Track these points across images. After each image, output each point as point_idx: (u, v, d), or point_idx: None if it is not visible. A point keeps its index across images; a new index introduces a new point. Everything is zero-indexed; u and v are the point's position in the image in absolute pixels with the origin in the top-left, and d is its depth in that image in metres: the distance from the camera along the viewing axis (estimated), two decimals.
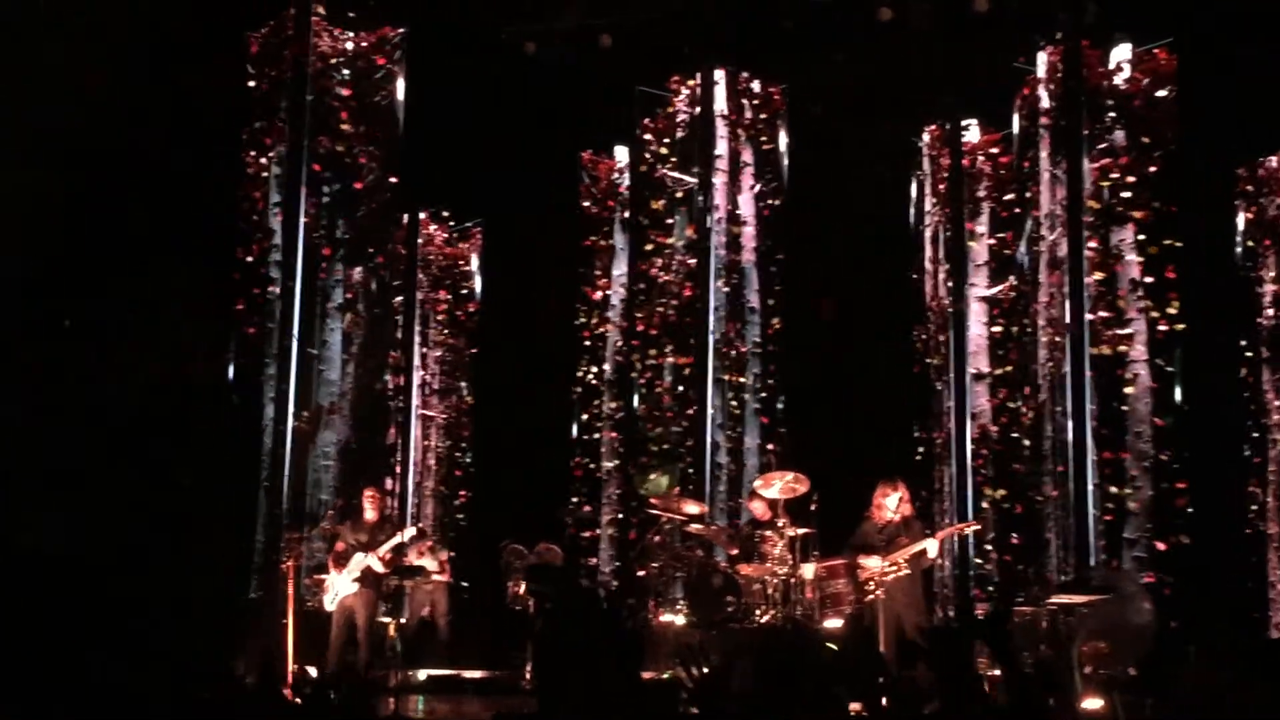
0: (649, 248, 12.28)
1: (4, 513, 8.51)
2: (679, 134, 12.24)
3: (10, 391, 8.98)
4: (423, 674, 10.28)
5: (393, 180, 11.55)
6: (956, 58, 11.97)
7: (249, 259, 11.08)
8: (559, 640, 3.56)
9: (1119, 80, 11.12)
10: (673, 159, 12.26)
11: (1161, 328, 10.78)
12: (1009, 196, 12.04)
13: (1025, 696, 3.52)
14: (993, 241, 12.12)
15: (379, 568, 9.70)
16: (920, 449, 12.14)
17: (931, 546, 9.28)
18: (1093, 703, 8.57)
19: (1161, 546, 10.44)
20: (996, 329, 11.95)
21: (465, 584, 12.24)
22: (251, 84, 11.34)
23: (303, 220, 11.00)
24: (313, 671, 9.72)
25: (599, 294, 12.83)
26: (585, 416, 12.70)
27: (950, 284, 11.95)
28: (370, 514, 9.94)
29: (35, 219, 8.81)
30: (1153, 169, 10.96)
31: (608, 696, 3.58)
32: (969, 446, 11.55)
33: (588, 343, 12.83)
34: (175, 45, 9.99)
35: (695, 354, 11.73)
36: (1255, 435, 11.82)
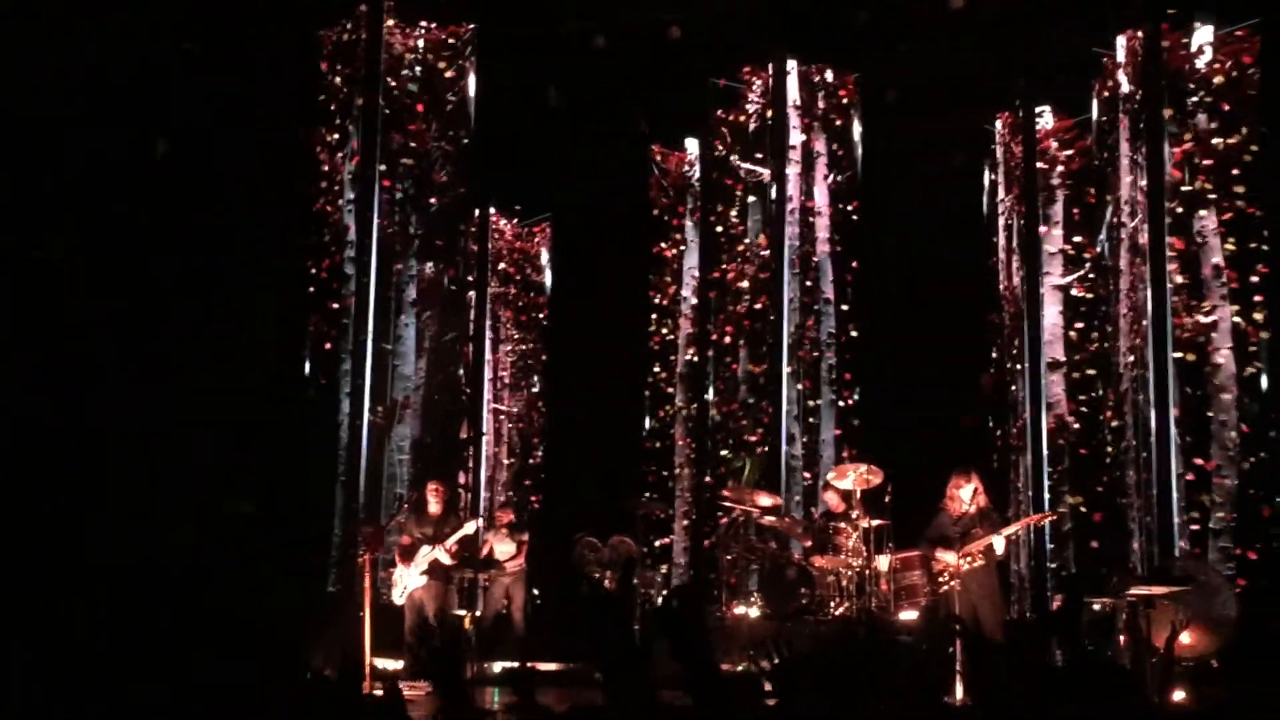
0: (721, 240, 12.30)
1: (91, 515, 8.70)
2: (752, 125, 12.23)
3: (92, 396, 9.18)
4: (498, 666, 10.37)
5: (464, 177, 11.66)
6: (1030, 43, 11.87)
7: (322, 257, 11.25)
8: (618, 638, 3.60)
9: (1200, 64, 10.95)
10: (745, 150, 12.26)
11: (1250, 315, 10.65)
12: (1084, 184, 11.93)
13: (1094, 687, 3.52)
14: (1067, 233, 12.00)
15: (446, 560, 9.81)
16: (997, 439, 12.09)
17: (999, 543, 9.19)
18: (1178, 694, 8.47)
19: (1251, 555, 10.29)
20: (1077, 322, 11.83)
21: (537, 583, 12.35)
22: (324, 83, 11.51)
23: (376, 217, 11.15)
24: (389, 665, 9.87)
25: (670, 287, 12.84)
26: (658, 409, 12.72)
27: (1024, 272, 11.86)
28: (434, 507, 10.07)
29: (114, 220, 9.01)
30: (1237, 152, 10.79)
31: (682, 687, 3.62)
32: (1044, 435, 11.48)
33: (660, 336, 12.84)
34: (248, 43, 10.15)
35: (770, 346, 11.73)
36: None
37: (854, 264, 12.07)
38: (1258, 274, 10.60)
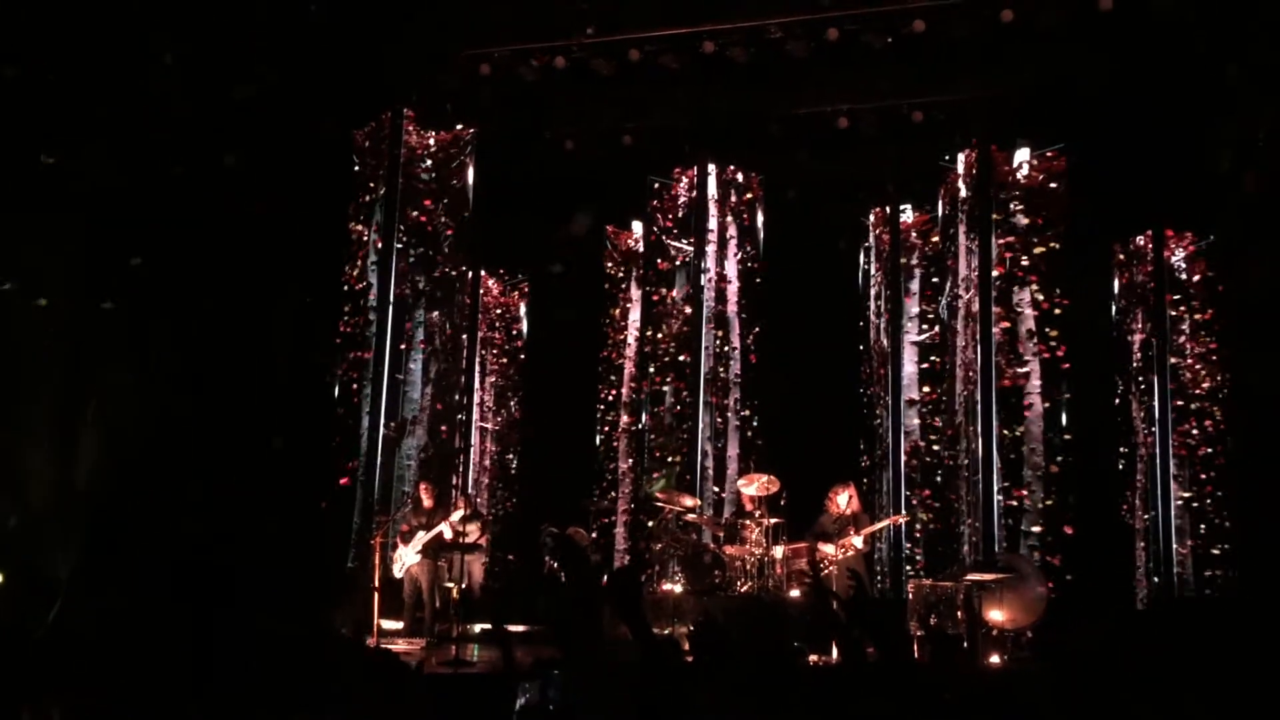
0: (656, 300, 12.35)
1: (167, 505, 8.59)
2: (680, 213, 12.35)
3: (181, 416, 9.08)
4: (477, 628, 10.29)
5: (462, 246, 11.67)
6: (896, 156, 12.11)
7: (351, 306, 11.21)
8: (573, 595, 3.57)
9: (1020, 176, 11.24)
10: (675, 232, 12.36)
11: (1055, 368, 10.90)
12: (934, 265, 12.15)
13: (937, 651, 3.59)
14: (922, 302, 12.22)
15: (449, 534, 9.74)
16: (865, 458, 12.22)
17: (858, 541, 9.45)
18: (994, 659, 8.62)
19: (1049, 539, 10.50)
20: (927, 370, 12.03)
21: (511, 556, 12.33)
22: (356, 169, 11.51)
23: (393, 276, 11.14)
24: (393, 625, 9.77)
25: (618, 335, 12.90)
26: (606, 429, 12.75)
27: (889, 331, 12.04)
28: (427, 502, 10.06)
29: (196, 280, 8.95)
30: (1046, 245, 11.06)
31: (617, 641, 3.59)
32: (902, 456, 11.64)
33: (609, 372, 12.87)
34: (301, 142, 10.14)
35: (690, 382, 11.81)
36: (1125, 451, 11.91)
37: (756, 322, 12.15)
38: (1061, 338, 10.86)
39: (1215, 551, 11.22)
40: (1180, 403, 11.55)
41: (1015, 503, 10.54)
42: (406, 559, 9.88)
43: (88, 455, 8.69)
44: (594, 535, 11.87)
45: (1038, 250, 11.00)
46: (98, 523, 8.28)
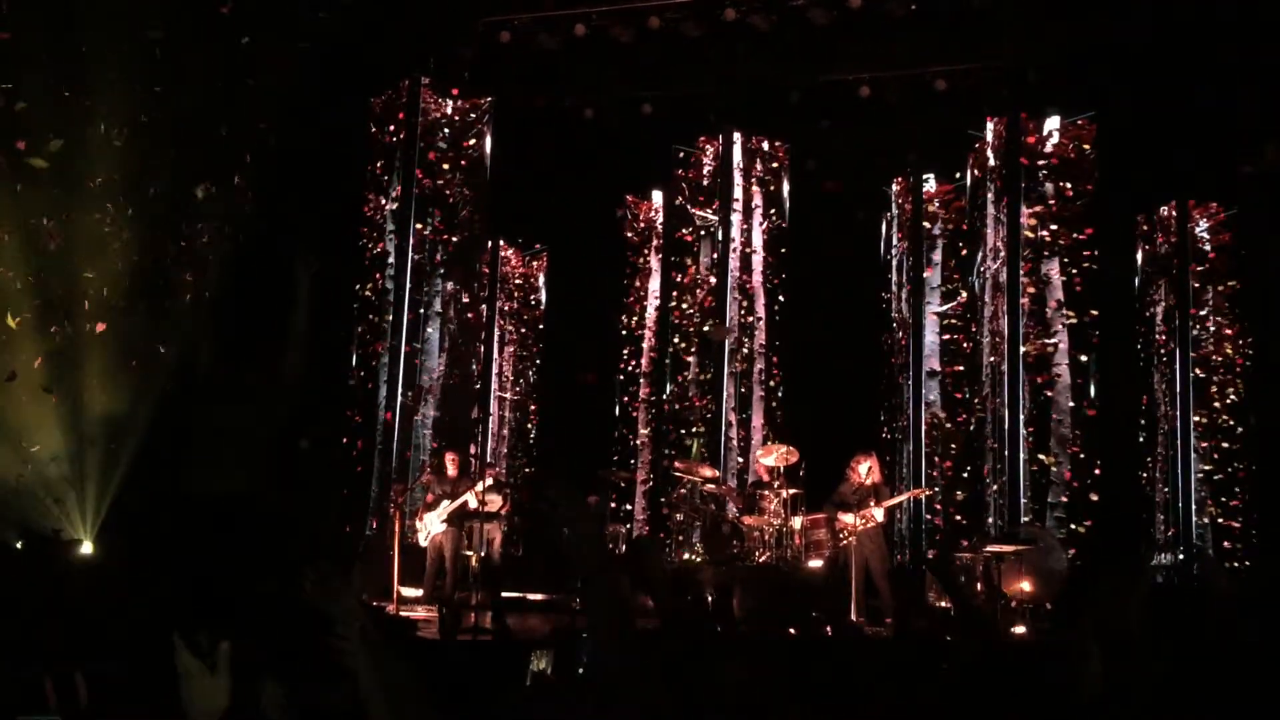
0: (678, 270, 12.27)
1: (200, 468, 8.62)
2: (704, 182, 12.23)
3: (209, 384, 9.11)
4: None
5: (480, 215, 11.59)
6: (920, 125, 11.95)
7: (368, 276, 11.17)
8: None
9: (1049, 145, 11.06)
10: (699, 200, 12.26)
11: (1082, 339, 10.77)
12: (959, 235, 12.01)
13: (969, 618, 3.52)
14: (945, 273, 12.09)
15: (474, 503, 9.74)
16: (887, 429, 12.14)
17: (878, 514, 9.32)
18: (1018, 629, 8.56)
19: (1073, 510, 10.41)
20: (947, 337, 11.91)
21: (530, 525, 12.33)
22: (374, 138, 11.44)
23: (410, 244, 11.08)
24: (412, 593, 9.79)
25: (638, 305, 12.82)
26: (625, 399, 12.69)
27: (911, 302, 11.93)
28: (451, 470, 10.02)
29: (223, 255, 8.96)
30: (1073, 214, 10.91)
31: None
32: (924, 428, 11.54)
33: (628, 343, 12.79)
34: (320, 109, 10.09)
35: (714, 353, 11.73)
36: (1148, 423, 11.79)
37: (781, 292, 12.06)
38: (1088, 309, 10.73)
39: (1235, 524, 11.11)
40: (1201, 373, 11.42)
41: (1039, 474, 10.44)
42: (432, 527, 9.87)
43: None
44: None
45: (1066, 221, 10.84)
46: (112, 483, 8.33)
